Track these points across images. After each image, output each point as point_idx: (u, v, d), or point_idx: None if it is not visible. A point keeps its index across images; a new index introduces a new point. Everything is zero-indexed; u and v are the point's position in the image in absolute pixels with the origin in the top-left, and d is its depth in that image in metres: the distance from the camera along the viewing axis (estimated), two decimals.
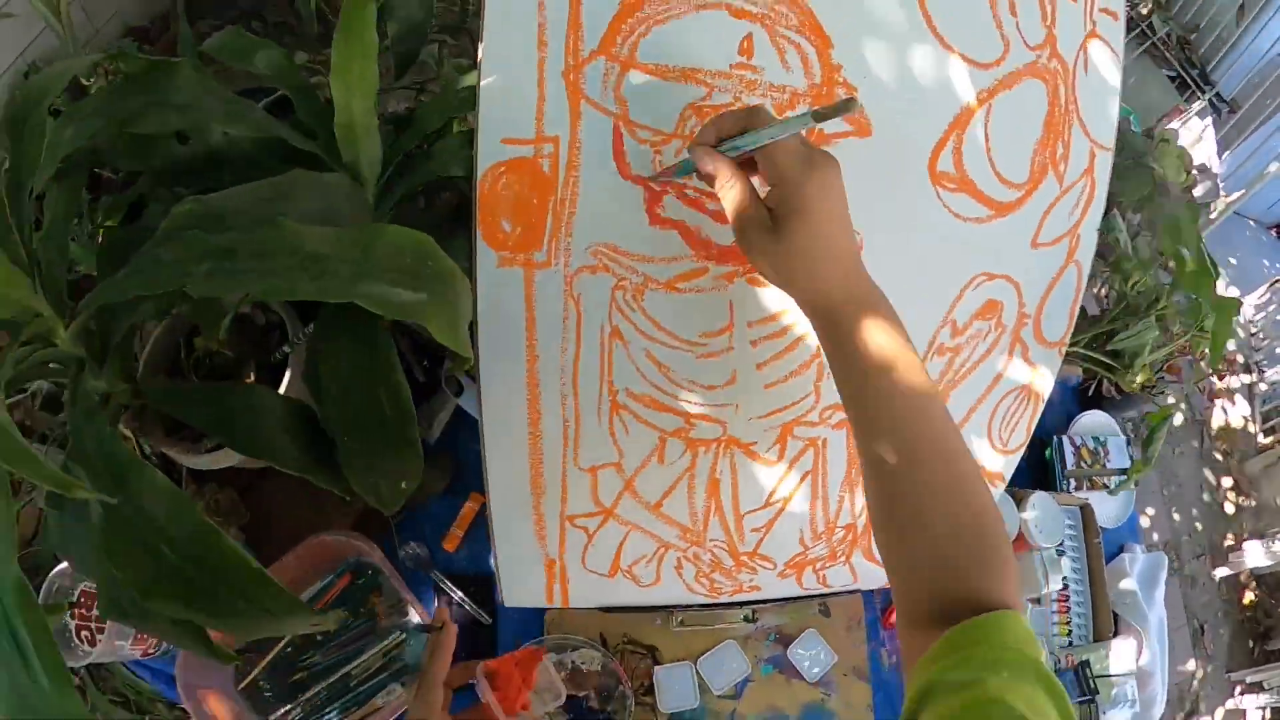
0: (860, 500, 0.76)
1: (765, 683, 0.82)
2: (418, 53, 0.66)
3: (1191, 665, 2.27)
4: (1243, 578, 2.46)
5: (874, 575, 0.84)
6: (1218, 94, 2.62)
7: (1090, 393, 0.98)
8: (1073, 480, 0.95)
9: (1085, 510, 0.94)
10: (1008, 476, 0.79)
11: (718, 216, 0.60)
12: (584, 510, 0.70)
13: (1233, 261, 3.13)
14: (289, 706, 0.79)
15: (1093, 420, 1.00)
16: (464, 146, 0.61)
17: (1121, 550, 1.01)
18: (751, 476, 0.70)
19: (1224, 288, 2.89)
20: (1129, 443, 1.02)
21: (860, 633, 0.85)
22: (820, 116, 0.44)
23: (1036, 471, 1.01)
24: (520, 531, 0.71)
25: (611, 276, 0.60)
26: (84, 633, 0.71)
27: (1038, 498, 0.84)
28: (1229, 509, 2.56)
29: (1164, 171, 0.79)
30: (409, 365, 0.83)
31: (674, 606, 0.82)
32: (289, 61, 0.61)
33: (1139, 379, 0.76)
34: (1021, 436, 0.77)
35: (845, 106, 0.41)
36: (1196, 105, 2.52)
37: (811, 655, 0.83)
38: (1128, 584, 0.94)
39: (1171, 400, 2.57)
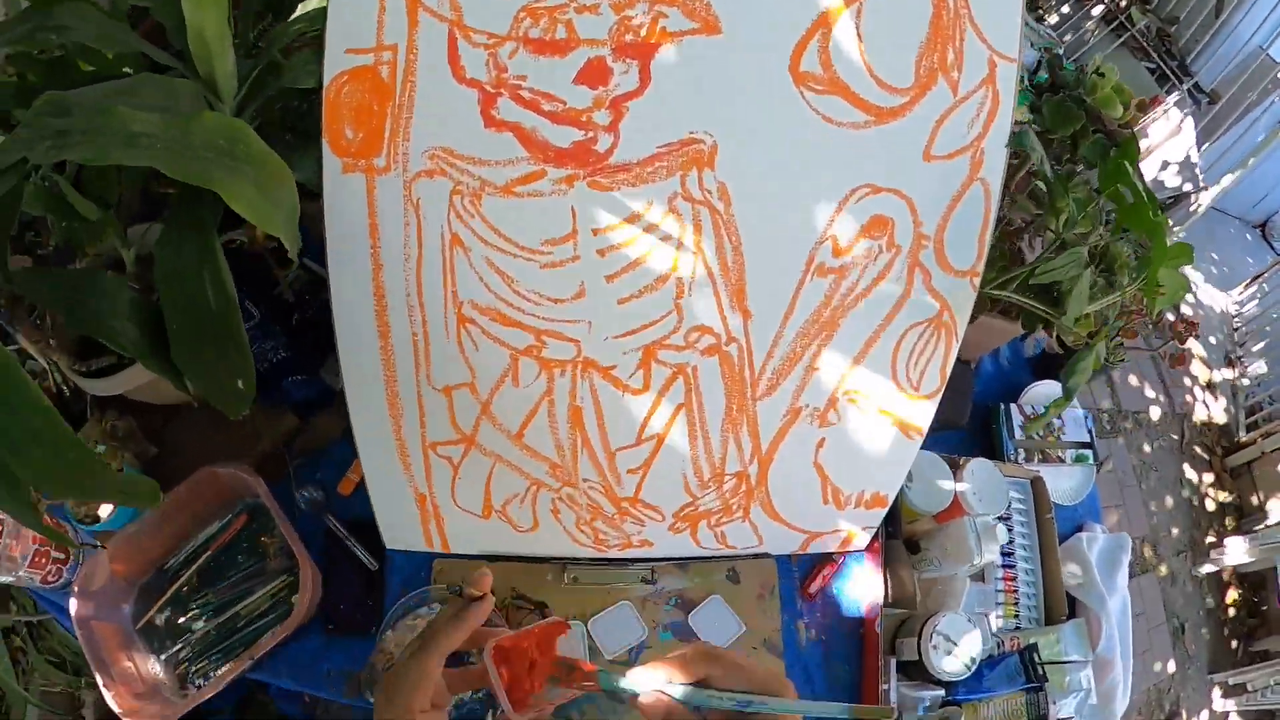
0: (749, 446, 0.74)
1: (663, 649, 0.80)
2: None
3: (1172, 666, 2.20)
4: (1225, 576, 2.40)
5: (781, 537, 0.81)
6: (1196, 85, 2.68)
7: (1034, 350, 0.92)
8: (1022, 451, 0.89)
9: (1036, 483, 0.87)
10: (924, 426, 0.75)
11: (554, 118, 0.63)
12: (445, 437, 0.73)
13: (1216, 258, 3.19)
14: (179, 645, 0.85)
15: (1046, 390, 0.93)
16: (313, 60, 0.68)
17: (1080, 529, 0.93)
18: (617, 406, 0.71)
19: (1205, 284, 3.01)
20: (1087, 417, 0.95)
21: (773, 602, 0.82)
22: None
23: (984, 441, 0.95)
24: (385, 458, 0.74)
25: (449, 181, 0.64)
26: None
27: (976, 464, 0.79)
28: (1210, 505, 2.52)
29: (1097, 104, 0.76)
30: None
31: (564, 560, 0.82)
32: None
33: (1077, 328, 0.72)
34: (935, 380, 0.74)
35: (882, 714, 0.44)
36: (1175, 96, 2.56)
37: (715, 624, 0.80)
38: (1085, 564, 0.86)
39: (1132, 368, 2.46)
